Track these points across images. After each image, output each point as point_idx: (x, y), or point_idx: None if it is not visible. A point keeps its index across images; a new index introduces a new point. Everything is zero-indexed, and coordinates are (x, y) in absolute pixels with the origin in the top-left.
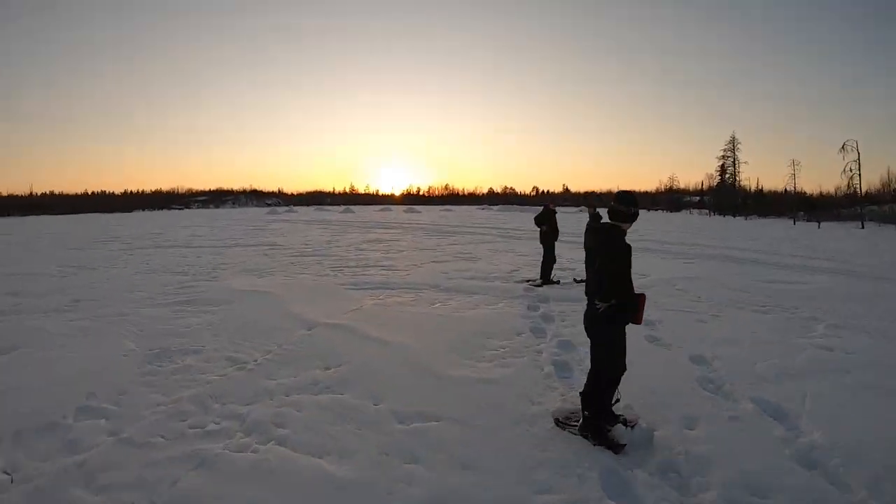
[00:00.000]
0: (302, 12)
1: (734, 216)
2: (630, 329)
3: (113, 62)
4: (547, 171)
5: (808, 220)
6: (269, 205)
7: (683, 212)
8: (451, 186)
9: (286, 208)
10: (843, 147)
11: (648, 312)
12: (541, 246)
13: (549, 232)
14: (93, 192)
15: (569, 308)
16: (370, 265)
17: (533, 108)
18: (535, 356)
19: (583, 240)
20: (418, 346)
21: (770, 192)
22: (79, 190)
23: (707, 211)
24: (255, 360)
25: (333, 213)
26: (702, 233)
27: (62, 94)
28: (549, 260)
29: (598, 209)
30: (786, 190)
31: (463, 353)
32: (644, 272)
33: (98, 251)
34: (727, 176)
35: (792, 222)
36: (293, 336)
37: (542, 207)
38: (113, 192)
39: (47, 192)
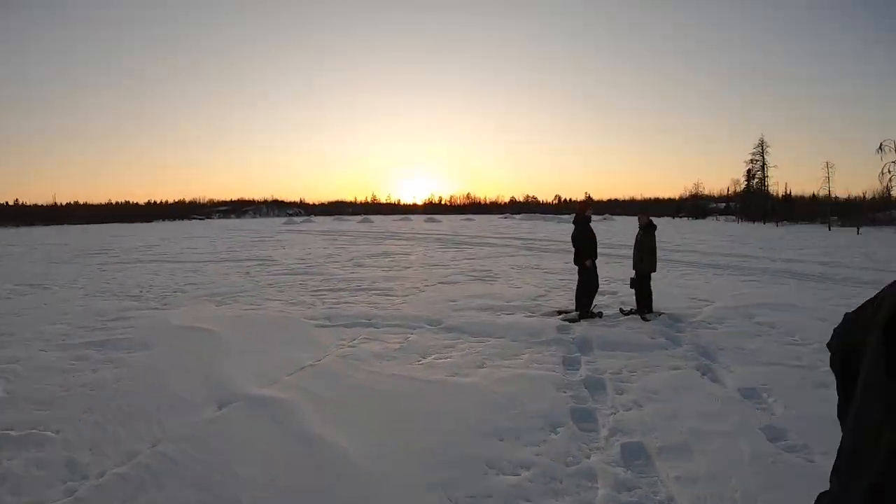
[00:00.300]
0: (330, 24)
1: (763, 222)
2: (738, 426)
3: (138, 73)
4: (569, 179)
5: (842, 226)
6: (289, 214)
7: (709, 218)
8: (472, 195)
9: (303, 218)
10: (880, 147)
11: (739, 368)
12: (575, 266)
13: (586, 247)
14: (117, 203)
15: (623, 362)
16: (362, 288)
17: (555, 115)
18: (587, 493)
19: (631, 253)
20: (375, 464)
21: (797, 196)
22: (103, 200)
23: (734, 217)
24: (101, 476)
25: (351, 223)
26: (741, 241)
27: (88, 105)
28: (588, 285)
29: (651, 218)
30: (814, 195)
31: (453, 485)
32: (706, 296)
33: (74, 266)
34: (755, 180)
35: (827, 227)
36: (190, 421)
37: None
38: (137, 203)
39: (72, 202)
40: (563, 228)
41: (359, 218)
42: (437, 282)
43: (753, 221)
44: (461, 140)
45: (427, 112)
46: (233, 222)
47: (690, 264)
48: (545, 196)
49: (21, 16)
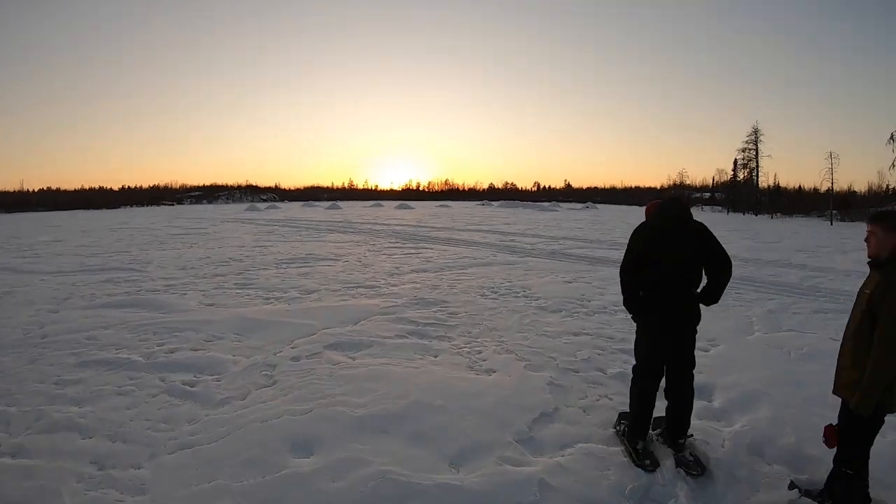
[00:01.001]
0: (304, 7)
1: (756, 214)
2: None
3: (117, 59)
4: (548, 166)
5: (841, 220)
6: (263, 199)
7: (694, 209)
8: (450, 182)
9: (269, 204)
10: (891, 138)
11: None
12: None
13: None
14: (90, 188)
15: None
16: (170, 362)
17: (535, 101)
18: None
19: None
20: None
21: (784, 188)
22: (76, 186)
23: (719, 208)
24: None
25: (317, 209)
26: (759, 238)
27: (64, 90)
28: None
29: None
30: (800, 187)
31: None
32: None
33: None
34: (748, 170)
35: (827, 222)
36: None
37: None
38: (111, 188)
39: (44, 188)
40: (547, 218)
41: (327, 204)
42: (330, 343)
43: (744, 213)
44: (441, 127)
45: (407, 99)
46: (194, 208)
47: (749, 282)
48: (524, 183)
49: None
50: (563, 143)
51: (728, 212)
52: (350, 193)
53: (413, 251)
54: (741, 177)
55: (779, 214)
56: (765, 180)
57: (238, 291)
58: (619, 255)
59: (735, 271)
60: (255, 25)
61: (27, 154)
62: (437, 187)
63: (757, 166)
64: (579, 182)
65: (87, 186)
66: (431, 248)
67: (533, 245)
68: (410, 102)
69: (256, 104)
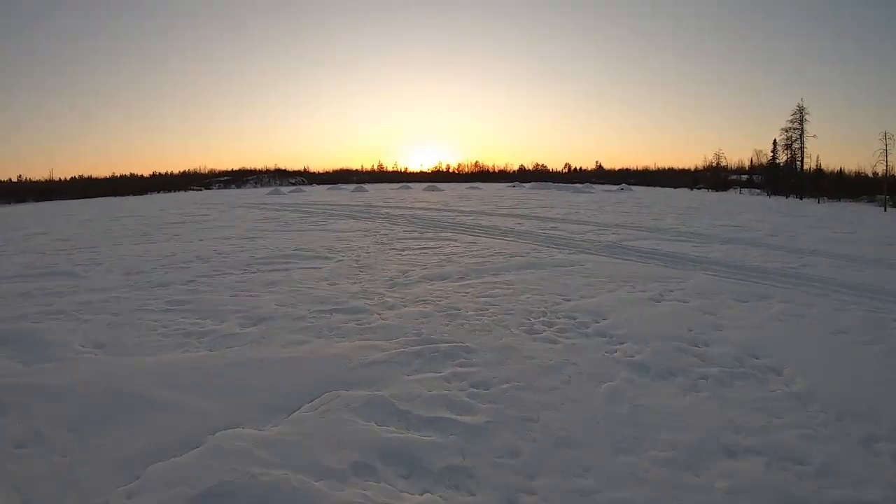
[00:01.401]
0: None
1: (800, 198)
2: None
3: (147, 47)
4: (579, 146)
5: (894, 206)
6: (292, 183)
7: (731, 191)
8: (481, 164)
9: (293, 188)
10: None
11: None
12: None
13: None
14: (120, 176)
15: None
16: None
17: (565, 81)
18: None
19: None
20: None
21: (824, 170)
22: (107, 174)
23: (758, 190)
24: None
25: (342, 192)
26: (844, 228)
27: (97, 80)
28: None
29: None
30: (841, 170)
31: None
32: None
33: None
34: (790, 151)
35: (881, 207)
36: None
37: None
38: (141, 175)
39: (75, 177)
40: (585, 201)
41: (352, 187)
42: (200, 491)
43: (787, 196)
44: (472, 108)
45: (437, 82)
46: (218, 193)
47: (877, 296)
48: (555, 165)
49: None
50: (593, 123)
51: (769, 195)
52: (379, 176)
53: (431, 244)
54: (782, 158)
55: (825, 199)
56: (808, 162)
57: (159, 317)
58: (694, 249)
59: (835, 274)
60: (287, 10)
61: (58, 143)
62: (466, 169)
63: (802, 147)
64: (611, 163)
65: (117, 174)
66: (455, 240)
67: (582, 235)
68: (441, 85)
69: (288, 87)
